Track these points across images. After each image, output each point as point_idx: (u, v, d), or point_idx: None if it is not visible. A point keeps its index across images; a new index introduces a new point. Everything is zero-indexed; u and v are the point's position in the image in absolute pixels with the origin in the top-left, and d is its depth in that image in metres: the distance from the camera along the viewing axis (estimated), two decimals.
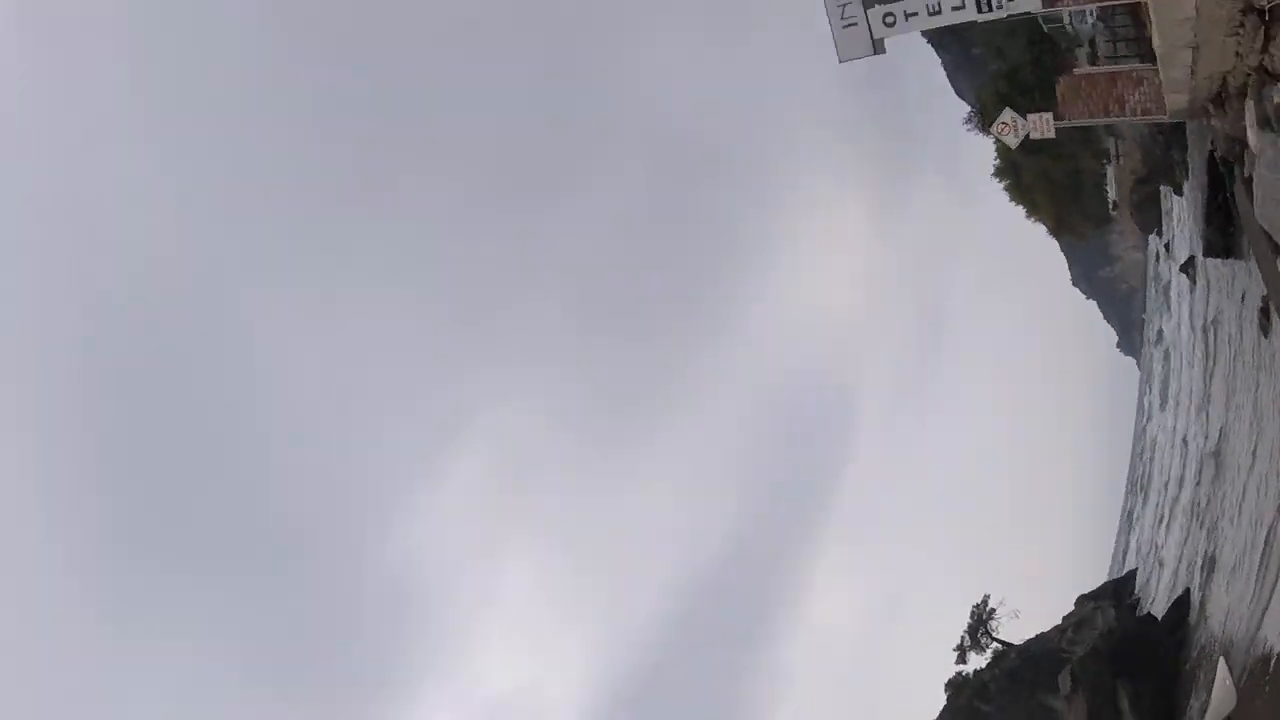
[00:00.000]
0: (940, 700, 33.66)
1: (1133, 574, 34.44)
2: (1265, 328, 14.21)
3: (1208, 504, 21.19)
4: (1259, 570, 13.30)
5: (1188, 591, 20.49)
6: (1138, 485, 53.82)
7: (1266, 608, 12.15)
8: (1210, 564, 18.75)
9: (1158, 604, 24.37)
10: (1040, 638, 27.56)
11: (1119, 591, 31.01)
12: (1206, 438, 23.72)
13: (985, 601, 42.46)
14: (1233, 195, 14.81)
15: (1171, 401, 41.53)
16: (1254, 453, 15.22)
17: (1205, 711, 13.12)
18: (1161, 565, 29.51)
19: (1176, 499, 30.72)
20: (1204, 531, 20.85)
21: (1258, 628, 12.28)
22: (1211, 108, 12.14)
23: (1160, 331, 54.78)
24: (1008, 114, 18.11)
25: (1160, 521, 35.70)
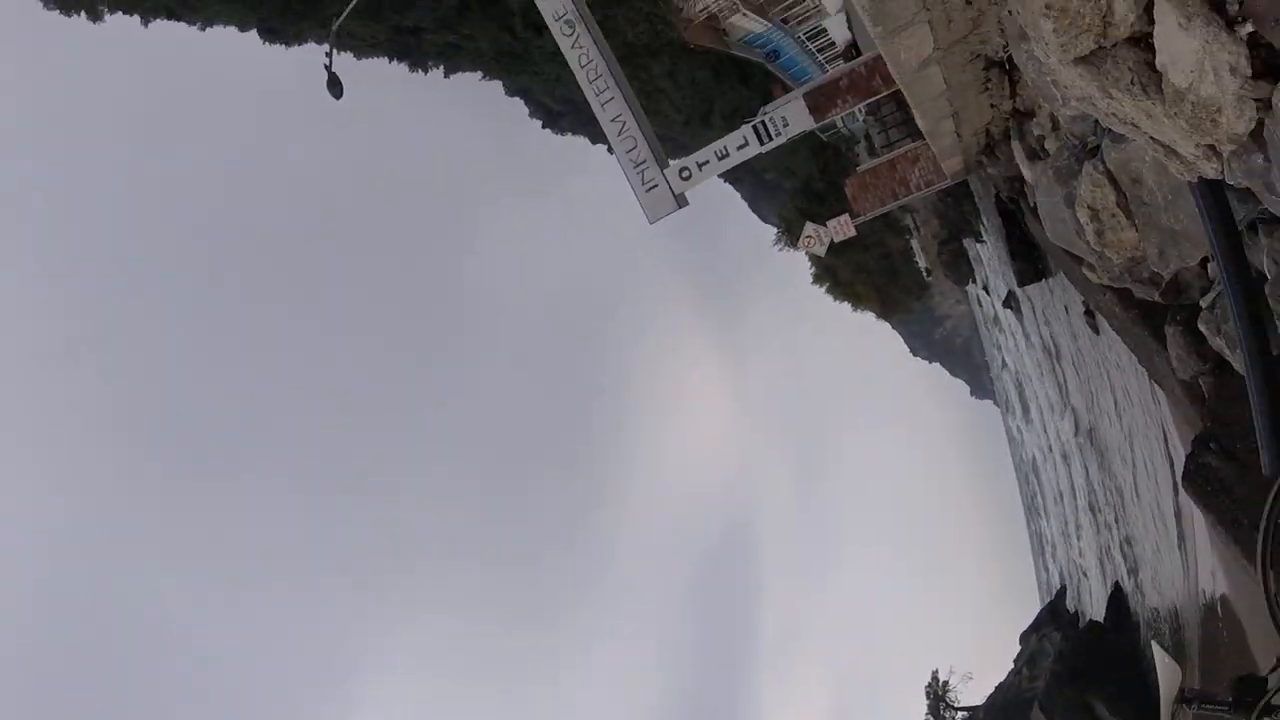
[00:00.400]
0: None
1: (1063, 591, 35.50)
2: (1095, 327, 15.84)
3: (1106, 496, 22.56)
4: (1178, 541, 14.29)
5: (1118, 584, 21.42)
6: (1034, 508, 56.07)
7: (1196, 570, 13.08)
8: (1129, 550, 19.85)
9: (1096, 608, 25.22)
10: (1000, 688, 27.89)
11: (1056, 613, 31.87)
12: (1078, 434, 25.50)
13: (935, 677, 42.61)
14: (1026, 226, 16.78)
15: (1035, 416, 44.05)
16: (1129, 438, 16.69)
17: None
18: (1085, 573, 30.68)
19: (1075, 504, 32.33)
20: (1113, 522, 22.10)
21: (1196, 588, 13.17)
22: (984, 159, 13.69)
23: (1004, 362, 58.32)
24: (809, 227, 19.26)
25: (1067, 530, 37.27)
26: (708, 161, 13.93)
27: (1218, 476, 5.22)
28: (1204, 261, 5.34)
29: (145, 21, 32.26)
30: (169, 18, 32.58)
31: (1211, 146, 3.34)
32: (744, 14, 29.87)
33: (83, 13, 30.36)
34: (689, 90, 42.94)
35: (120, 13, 31.11)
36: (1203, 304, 5.80)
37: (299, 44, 35.85)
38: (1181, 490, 5.77)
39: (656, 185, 13.91)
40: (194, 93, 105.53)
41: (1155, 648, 14.60)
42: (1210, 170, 3.48)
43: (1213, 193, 3.78)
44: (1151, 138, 3.78)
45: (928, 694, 48.78)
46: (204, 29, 34.17)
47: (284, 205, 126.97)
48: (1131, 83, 3.58)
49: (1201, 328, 5.77)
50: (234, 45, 37.19)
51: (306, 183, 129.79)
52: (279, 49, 36.43)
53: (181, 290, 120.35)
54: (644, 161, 13.90)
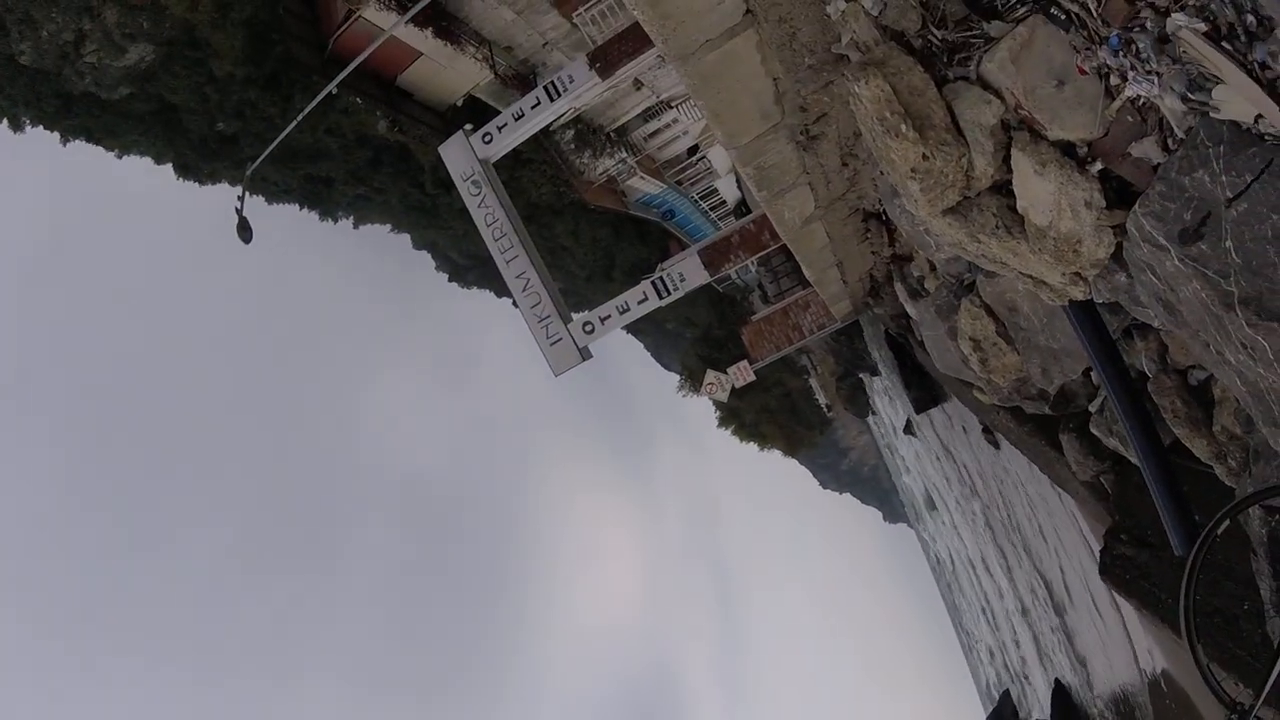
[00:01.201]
0: None
1: (1006, 694, 35.30)
2: (995, 443, 16.61)
3: (1034, 597, 22.88)
4: (1114, 627, 14.53)
5: (1058, 681, 21.43)
6: (961, 619, 56.25)
7: (1135, 651, 13.32)
8: (1069, 644, 20.03)
9: (1043, 704, 25.05)
10: None
11: (1002, 717, 31.56)
12: (997, 542, 26.04)
13: None
14: (916, 358, 17.76)
15: (950, 529, 44.86)
16: (1047, 538, 17.22)
17: None
18: (1027, 676, 30.66)
19: (1006, 609, 32.62)
20: (1047, 621, 22.30)
21: (1139, 668, 13.38)
22: (871, 301, 14.52)
23: (912, 481, 59.52)
24: (710, 374, 19.70)
25: (1001, 636, 37.41)
26: (610, 316, 14.20)
27: (1134, 564, 5.57)
28: (1087, 371, 5.76)
29: (65, 140, 31.90)
30: (88, 139, 32.32)
31: (1077, 273, 3.74)
32: (641, 177, 31.66)
33: (4, 120, 29.90)
34: (590, 247, 44.49)
35: (41, 127, 30.74)
36: (1091, 409, 6.26)
37: (213, 183, 35.95)
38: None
39: (560, 339, 14.10)
40: (103, 218, 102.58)
41: None
42: (1079, 294, 3.91)
43: (1084, 312, 4.27)
44: (1021, 272, 4.20)
45: None
46: (121, 156, 33.87)
47: (177, 346, 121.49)
48: (996, 227, 4.04)
49: (1094, 431, 6.19)
50: (149, 176, 37.00)
51: (208, 323, 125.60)
52: (193, 185, 36.36)
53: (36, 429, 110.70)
54: (548, 316, 14.11)
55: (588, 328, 14.34)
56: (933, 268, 8.18)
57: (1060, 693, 21.00)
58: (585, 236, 42.56)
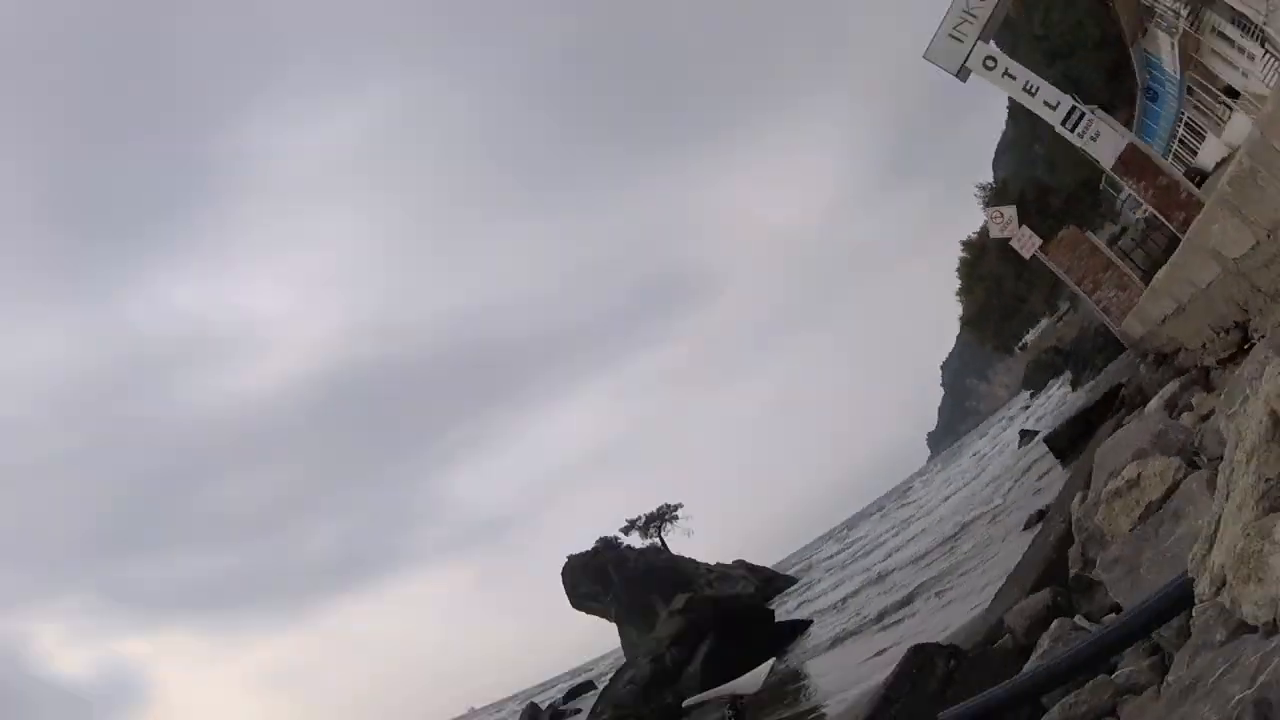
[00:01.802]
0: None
1: None
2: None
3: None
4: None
5: None
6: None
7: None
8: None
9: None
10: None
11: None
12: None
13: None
14: (1097, 425, 15.95)
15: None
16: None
17: None
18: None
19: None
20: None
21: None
22: (1152, 356, 12.73)
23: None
24: (1010, 210, 18.66)
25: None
26: (1015, 79, 13.97)
27: None
28: None
29: None
30: None
31: None
32: (1174, 44, 26.13)
33: None
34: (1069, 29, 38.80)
35: None
36: None
37: None
38: None
39: (961, 41, 14.03)
40: None
41: None
42: None
43: None
44: None
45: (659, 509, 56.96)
46: None
47: None
48: None
49: None
50: None
51: None
52: None
53: None
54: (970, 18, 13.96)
55: (989, 63, 14.04)
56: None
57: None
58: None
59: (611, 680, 24.91)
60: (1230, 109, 27.61)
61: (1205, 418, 5.42)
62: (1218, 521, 2.26)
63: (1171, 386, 8.73)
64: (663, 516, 75.35)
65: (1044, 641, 4.55)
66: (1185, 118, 35.82)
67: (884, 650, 12.75)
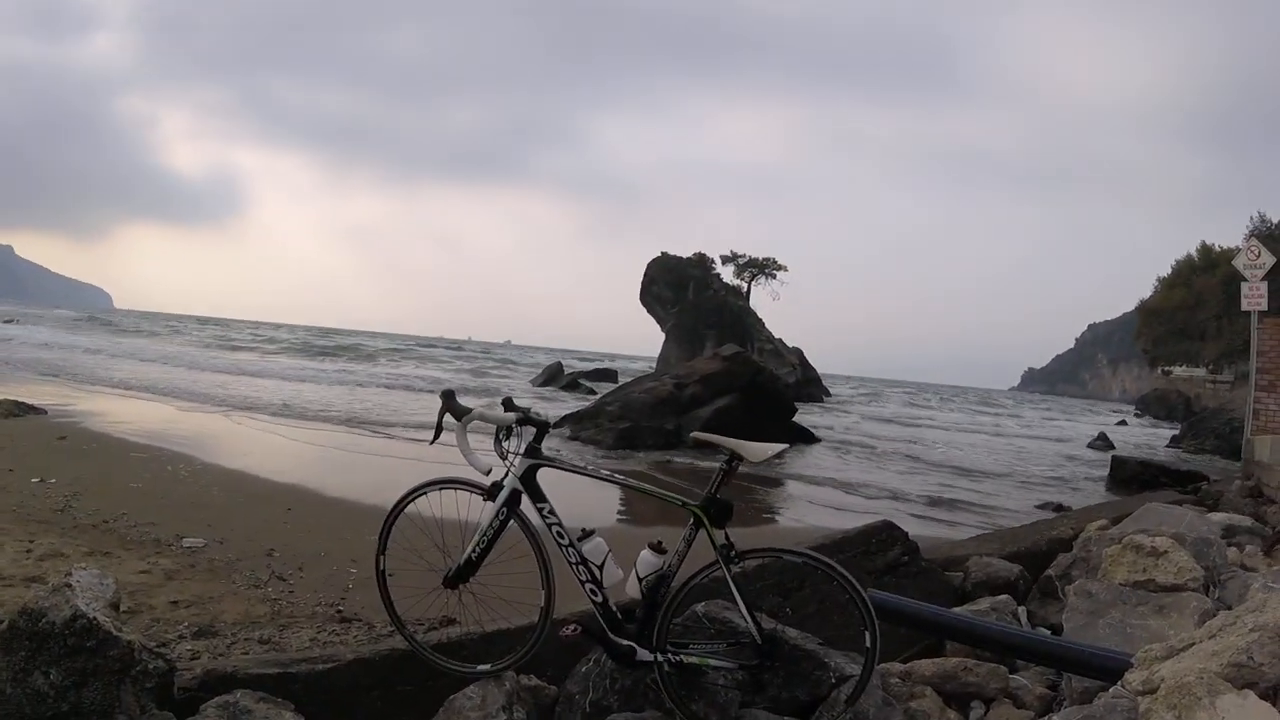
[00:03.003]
0: None
1: None
2: None
3: None
4: None
5: None
6: None
7: None
8: None
9: None
10: None
11: None
12: None
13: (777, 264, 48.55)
14: (1161, 487, 15.48)
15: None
16: None
17: None
18: None
19: None
20: None
21: None
22: (1253, 482, 11.01)
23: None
24: (1269, 259, 16.93)
25: None
26: None
27: None
28: None
29: None
30: None
31: None
32: None
33: None
34: None
35: None
36: None
37: None
38: None
39: None
40: None
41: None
42: None
43: None
44: None
45: None
46: None
47: None
48: None
49: None
50: None
51: None
52: None
53: None
54: None
55: None
56: None
57: None
58: None
59: (633, 381, 25.56)
60: None
61: (1245, 568, 5.42)
62: (1188, 646, 2.48)
63: (1243, 520, 8.49)
64: (763, 268, 75.16)
65: (984, 602, 4.91)
66: None
67: (850, 510, 13.48)
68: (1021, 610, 5.02)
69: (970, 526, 12.33)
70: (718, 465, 3.10)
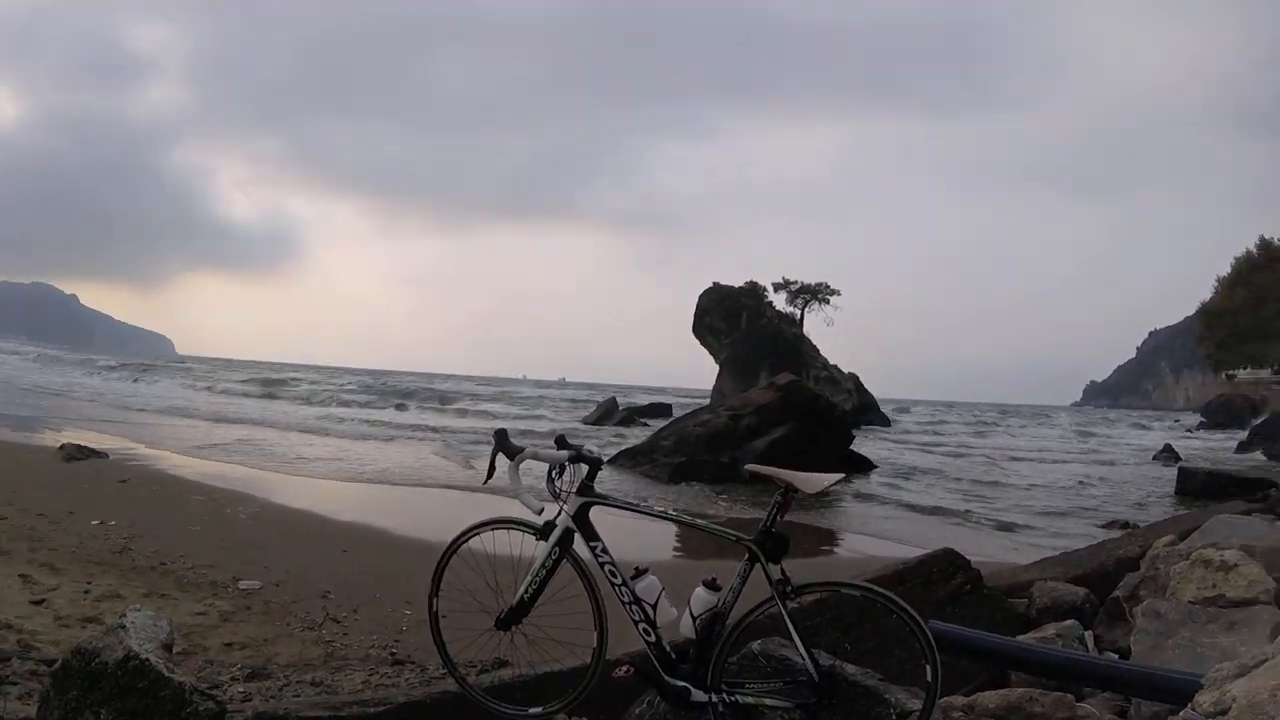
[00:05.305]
0: None
1: None
2: None
3: None
4: None
5: None
6: None
7: None
8: None
9: None
10: None
11: None
12: None
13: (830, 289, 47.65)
14: (1230, 496, 14.96)
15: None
16: None
17: None
18: None
19: None
20: None
21: None
22: None
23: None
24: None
25: None
26: None
27: None
28: None
29: None
30: None
31: None
32: None
33: None
34: None
35: None
36: None
37: None
38: None
39: None
40: None
41: None
42: None
43: None
44: None
45: None
46: None
47: None
48: None
49: None
50: None
51: None
52: None
53: None
54: None
55: None
56: None
57: None
58: None
59: (688, 415, 25.31)
60: None
61: None
62: (1261, 663, 2.38)
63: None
64: (815, 294, 74.26)
65: (1049, 629, 4.77)
66: None
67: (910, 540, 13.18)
68: (1089, 635, 4.87)
69: (1036, 549, 12.03)
70: (773, 498, 3.06)
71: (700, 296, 73.65)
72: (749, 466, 3.61)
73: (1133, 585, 5.16)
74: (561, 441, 3.30)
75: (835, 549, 12.69)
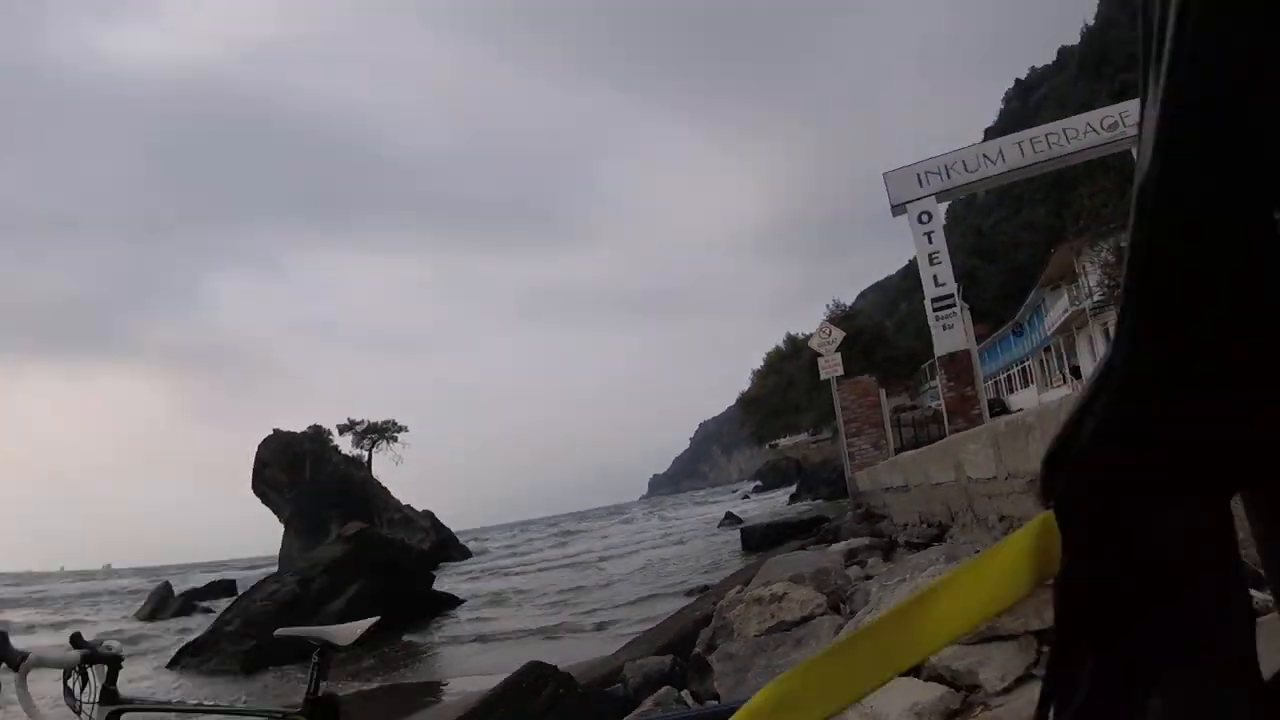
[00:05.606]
0: None
1: None
2: None
3: None
4: None
5: None
6: None
7: None
8: None
9: None
10: None
11: None
12: None
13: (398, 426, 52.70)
14: (787, 540, 17.16)
15: None
16: None
17: None
18: None
19: None
20: None
21: None
22: (864, 510, 13.81)
23: None
24: (838, 335, 20.07)
25: None
26: (932, 244, 16.51)
27: None
28: None
29: None
30: None
31: None
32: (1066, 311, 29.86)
33: None
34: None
35: None
36: None
37: None
38: None
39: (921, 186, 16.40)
40: None
41: None
42: None
43: None
44: None
45: None
46: None
47: None
48: None
49: None
50: None
51: None
52: None
53: None
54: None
55: (923, 218, 16.38)
56: None
57: None
58: None
59: (252, 589, 22.34)
60: (1065, 380, 31.25)
61: (868, 578, 5.98)
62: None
63: (862, 541, 9.53)
64: (383, 432, 70.17)
65: (647, 702, 4.84)
66: (1026, 364, 40.77)
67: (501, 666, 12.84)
68: (685, 694, 4.97)
69: (631, 636, 12.35)
70: (310, 660, 2.65)
71: (259, 447, 65.53)
72: (278, 632, 3.17)
73: (708, 639, 5.44)
74: (76, 640, 2.60)
75: (439, 698, 11.91)
